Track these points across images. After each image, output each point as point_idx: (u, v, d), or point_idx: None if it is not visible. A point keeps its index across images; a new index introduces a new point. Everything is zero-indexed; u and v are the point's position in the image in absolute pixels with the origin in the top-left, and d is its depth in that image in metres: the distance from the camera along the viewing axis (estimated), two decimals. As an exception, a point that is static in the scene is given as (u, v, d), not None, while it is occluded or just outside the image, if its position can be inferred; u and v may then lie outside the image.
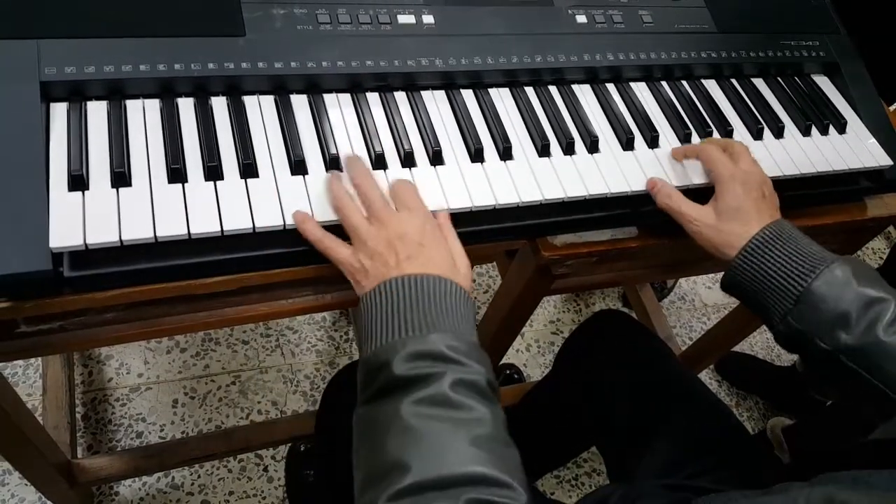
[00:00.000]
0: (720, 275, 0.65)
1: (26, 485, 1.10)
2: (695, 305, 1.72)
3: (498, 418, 0.46)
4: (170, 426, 1.25)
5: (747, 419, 1.55)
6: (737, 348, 1.43)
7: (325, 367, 1.39)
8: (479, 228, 0.62)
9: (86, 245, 0.48)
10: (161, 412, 1.26)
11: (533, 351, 1.54)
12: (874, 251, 2.02)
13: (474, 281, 1.61)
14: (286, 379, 1.36)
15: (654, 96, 0.74)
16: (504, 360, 1.44)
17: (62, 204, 0.49)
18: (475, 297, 1.59)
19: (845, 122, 0.78)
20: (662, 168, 0.68)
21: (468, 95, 0.67)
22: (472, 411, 0.44)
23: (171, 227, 0.50)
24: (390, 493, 0.40)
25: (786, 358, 1.67)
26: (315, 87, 0.62)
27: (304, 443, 1.22)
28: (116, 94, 0.56)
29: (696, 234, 0.64)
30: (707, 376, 1.58)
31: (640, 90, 0.74)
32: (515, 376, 1.44)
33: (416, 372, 0.45)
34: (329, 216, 0.55)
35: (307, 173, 0.57)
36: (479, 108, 0.67)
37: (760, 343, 1.69)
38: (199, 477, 1.20)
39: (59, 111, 0.54)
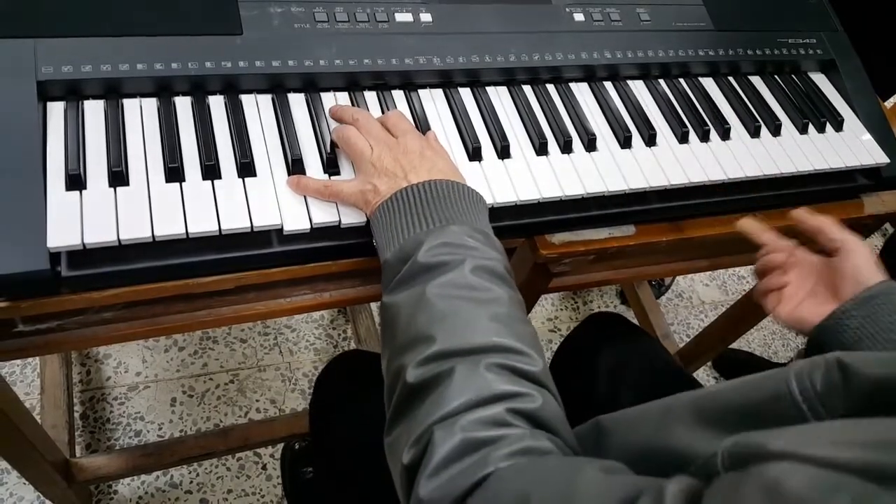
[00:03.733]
0: (717, 272, 0.65)
1: (25, 483, 1.10)
2: (692, 303, 1.72)
3: (514, 300, 0.49)
4: (168, 425, 1.25)
5: (745, 416, 1.55)
6: (734, 345, 1.43)
7: (323, 365, 1.39)
8: (476, 227, 0.62)
9: (83, 244, 0.48)
10: (159, 411, 1.26)
11: (531, 348, 1.54)
12: (873, 249, 2.02)
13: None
14: (284, 377, 1.36)
15: (651, 94, 0.74)
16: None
17: (59, 203, 0.49)
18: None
19: (842, 120, 0.78)
20: (660, 166, 0.68)
21: (466, 94, 0.67)
22: (490, 292, 0.48)
23: (169, 227, 0.50)
24: (418, 360, 0.44)
25: (783, 354, 1.68)
26: (312, 86, 0.62)
27: (298, 441, 1.22)
28: (113, 93, 0.56)
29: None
30: (704, 373, 1.58)
31: (638, 88, 0.74)
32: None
33: (440, 259, 0.48)
34: (330, 217, 0.55)
35: (305, 172, 0.57)
36: (476, 107, 0.67)
37: (758, 340, 1.69)
38: (197, 475, 1.20)
39: (55, 110, 0.54)
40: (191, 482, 1.19)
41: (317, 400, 0.83)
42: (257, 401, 1.32)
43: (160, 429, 1.24)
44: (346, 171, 0.58)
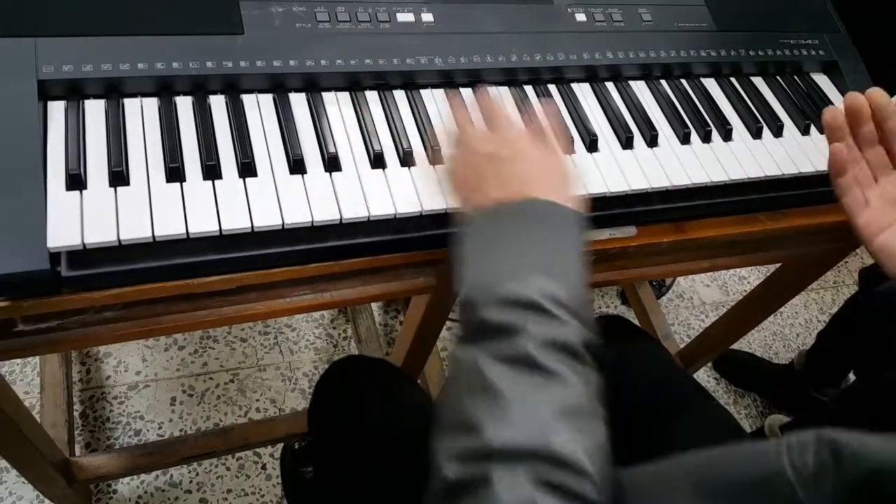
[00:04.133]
0: (718, 273, 0.65)
1: (24, 483, 1.09)
2: (693, 303, 1.72)
3: (588, 385, 0.41)
4: (168, 424, 1.25)
5: (745, 417, 1.55)
6: (735, 346, 1.43)
7: (323, 365, 1.39)
8: (478, 227, 0.62)
9: (83, 245, 0.48)
10: (159, 410, 1.26)
11: (531, 349, 1.54)
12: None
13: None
14: (284, 377, 1.36)
15: (653, 95, 0.74)
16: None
17: (60, 203, 0.49)
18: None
19: (844, 121, 0.78)
20: (661, 167, 0.68)
21: (467, 94, 0.67)
22: (556, 377, 0.39)
23: (170, 227, 0.50)
24: (457, 452, 0.38)
25: (784, 356, 1.68)
26: (314, 86, 0.62)
27: (297, 441, 1.22)
28: (114, 92, 0.56)
29: None
30: (705, 374, 1.58)
31: (640, 89, 0.74)
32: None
33: (503, 321, 0.41)
34: (331, 215, 0.55)
35: (306, 172, 0.57)
36: (478, 107, 0.66)
37: (759, 341, 1.69)
38: (197, 475, 1.20)
39: (56, 110, 0.54)
40: (190, 482, 1.19)
41: (316, 402, 0.83)
42: (257, 400, 1.32)
43: (160, 428, 1.24)
44: (348, 171, 0.58)
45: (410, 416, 0.77)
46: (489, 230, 0.46)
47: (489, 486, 0.35)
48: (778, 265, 1.10)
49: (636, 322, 1.50)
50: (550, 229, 0.46)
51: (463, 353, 0.43)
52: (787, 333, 1.73)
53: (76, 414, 1.21)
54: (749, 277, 1.80)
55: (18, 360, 1.25)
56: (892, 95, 1.11)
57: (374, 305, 1.48)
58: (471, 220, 0.48)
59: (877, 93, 0.55)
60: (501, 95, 0.68)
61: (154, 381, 1.29)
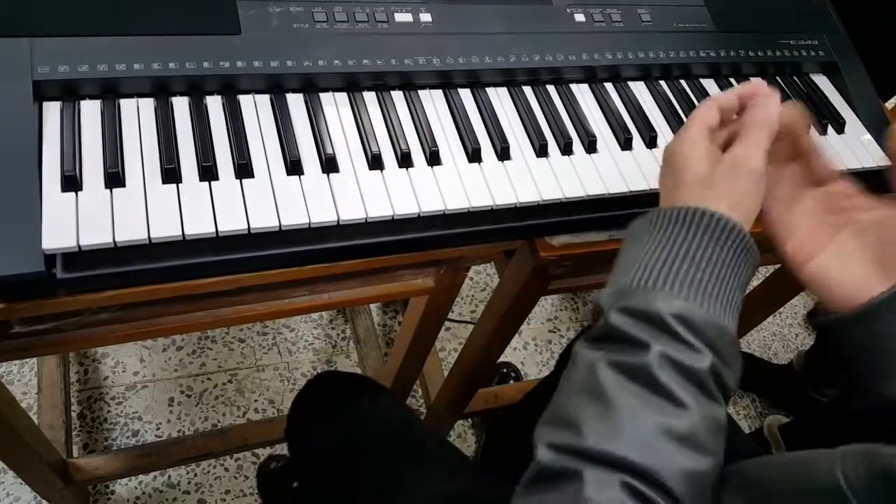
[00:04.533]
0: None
1: (21, 483, 1.09)
2: (692, 304, 1.71)
3: (706, 419, 0.39)
4: (166, 425, 1.25)
5: (744, 417, 1.55)
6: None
7: (321, 366, 1.39)
8: (476, 229, 0.61)
9: (79, 246, 0.48)
10: (157, 411, 1.26)
11: (530, 349, 1.54)
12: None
13: (471, 279, 1.61)
14: (283, 377, 1.35)
15: (652, 96, 0.74)
16: (501, 359, 1.44)
17: (55, 204, 0.49)
18: (472, 295, 1.58)
19: (844, 122, 0.78)
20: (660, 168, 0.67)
21: (466, 95, 0.67)
22: (671, 399, 0.38)
23: (166, 228, 0.50)
24: (556, 443, 0.39)
25: (783, 356, 1.68)
26: (311, 87, 0.62)
27: (274, 461, 1.21)
28: (110, 93, 0.55)
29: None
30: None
31: (639, 89, 0.74)
32: (513, 375, 1.44)
33: (629, 332, 0.40)
34: (329, 216, 0.55)
35: (303, 174, 0.57)
36: (476, 108, 0.66)
37: (757, 341, 1.69)
38: (195, 475, 1.20)
39: (52, 110, 0.53)
40: (189, 482, 1.19)
41: (294, 421, 0.82)
42: (255, 401, 1.31)
43: (158, 429, 1.24)
44: (346, 173, 0.58)
45: (388, 428, 0.76)
46: (653, 232, 0.45)
47: (579, 481, 0.36)
48: (777, 266, 1.10)
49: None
50: (716, 247, 0.43)
51: (584, 351, 0.43)
52: (786, 334, 1.73)
53: (74, 415, 1.21)
54: (748, 278, 1.80)
55: (16, 361, 1.24)
56: (890, 95, 1.11)
57: (373, 305, 1.48)
58: (647, 217, 0.47)
59: (788, 109, 0.51)
60: (500, 96, 0.68)
61: (152, 381, 1.29)
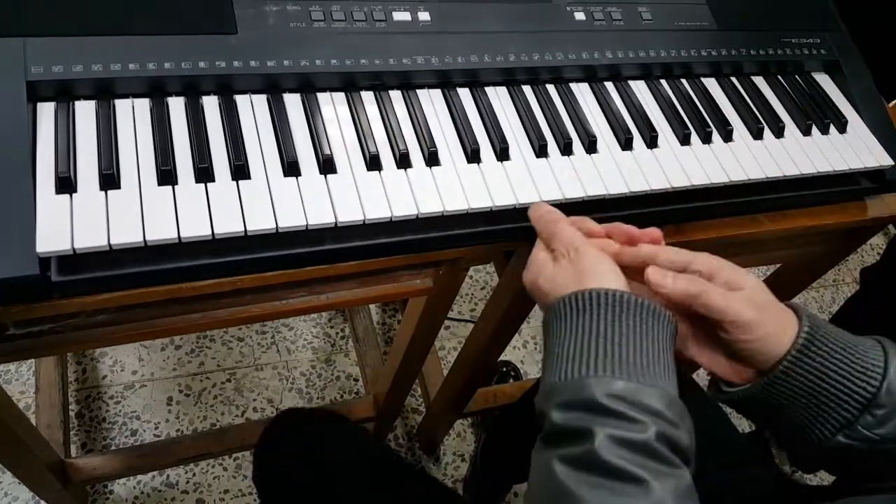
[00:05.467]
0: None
1: (20, 483, 1.09)
2: (692, 302, 1.71)
3: (670, 488, 0.37)
4: (164, 424, 1.24)
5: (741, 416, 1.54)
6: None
7: (320, 364, 1.39)
8: (475, 230, 0.61)
9: (73, 249, 0.47)
10: (156, 410, 1.26)
11: (530, 348, 1.53)
12: (872, 247, 2.01)
13: (471, 277, 1.60)
14: (282, 376, 1.35)
15: (653, 95, 0.73)
16: (501, 358, 1.44)
17: (49, 207, 0.48)
18: (471, 293, 1.58)
19: (846, 122, 0.77)
20: (661, 169, 0.67)
21: (465, 94, 0.66)
22: (631, 479, 0.37)
23: (161, 231, 0.49)
24: None
25: (783, 354, 1.67)
26: (308, 86, 0.61)
27: None
28: (105, 93, 0.55)
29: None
30: (705, 374, 1.57)
31: (639, 89, 0.73)
32: (512, 374, 1.44)
33: (569, 423, 0.41)
34: (327, 219, 0.54)
35: (300, 175, 0.56)
36: (475, 108, 0.65)
37: (758, 340, 1.68)
38: (193, 475, 1.20)
39: (46, 111, 0.53)
40: (187, 482, 1.19)
41: (262, 473, 0.79)
42: (254, 400, 1.31)
43: (156, 428, 1.24)
44: (343, 173, 0.57)
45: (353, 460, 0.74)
46: (554, 327, 0.47)
47: None
48: (777, 266, 1.09)
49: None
50: (619, 320, 0.44)
51: (538, 455, 0.43)
52: (786, 332, 1.72)
53: (72, 414, 1.21)
54: (749, 276, 1.79)
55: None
56: (893, 95, 1.10)
57: (373, 305, 1.47)
58: (544, 320, 0.49)
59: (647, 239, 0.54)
60: (499, 96, 0.67)
61: (150, 380, 1.29)
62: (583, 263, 0.50)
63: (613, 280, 0.48)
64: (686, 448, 0.41)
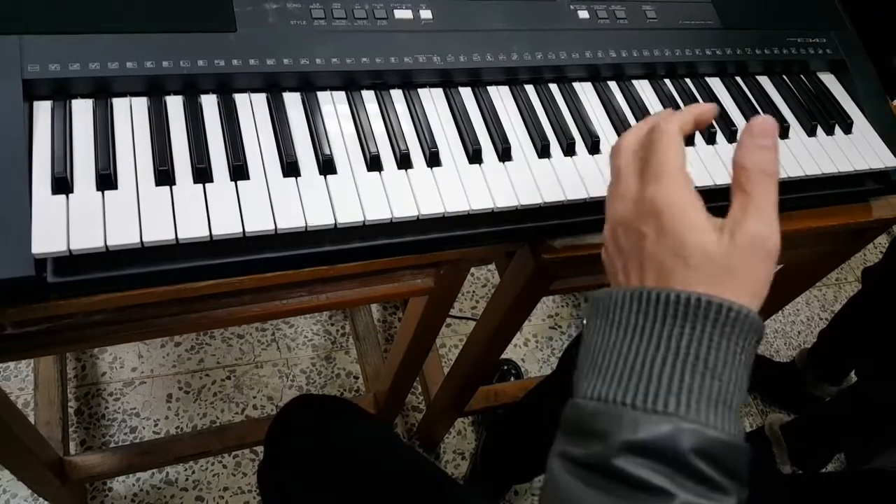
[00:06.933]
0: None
1: (18, 480, 1.09)
2: (694, 300, 1.70)
3: None
4: (164, 421, 1.24)
5: (745, 415, 1.54)
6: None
7: (321, 362, 1.38)
8: (476, 231, 0.60)
9: (70, 251, 0.46)
10: (155, 407, 1.25)
11: (531, 346, 1.53)
12: (875, 245, 2.00)
13: (472, 275, 1.60)
14: (282, 373, 1.35)
15: (657, 95, 0.72)
16: (501, 356, 1.43)
17: (45, 207, 0.47)
18: (472, 291, 1.57)
19: (851, 122, 0.77)
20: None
21: (466, 94, 0.65)
22: None
23: (159, 232, 0.49)
24: None
25: (785, 353, 1.67)
26: (308, 85, 0.60)
27: None
28: (102, 92, 0.54)
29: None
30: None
31: (643, 88, 0.72)
32: (513, 372, 1.43)
33: (643, 478, 0.33)
34: (327, 219, 0.54)
35: (300, 175, 0.55)
36: (477, 107, 0.65)
37: (759, 338, 1.68)
38: (193, 473, 1.19)
39: (42, 110, 0.52)
40: (186, 479, 1.19)
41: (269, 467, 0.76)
42: (254, 397, 1.31)
43: (156, 425, 1.23)
44: (344, 174, 0.57)
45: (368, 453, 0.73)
46: (646, 322, 0.36)
47: None
48: (781, 265, 1.09)
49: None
50: (735, 348, 0.35)
51: (584, 490, 0.35)
52: (788, 331, 1.72)
53: (71, 411, 1.20)
54: (750, 274, 1.79)
55: (13, 356, 1.24)
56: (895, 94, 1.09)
57: (373, 304, 1.47)
58: (631, 296, 0.37)
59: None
60: (502, 95, 0.67)
61: (150, 377, 1.29)
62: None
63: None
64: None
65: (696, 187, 0.64)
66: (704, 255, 0.37)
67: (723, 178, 0.67)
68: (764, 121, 0.40)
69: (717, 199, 0.68)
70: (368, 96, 0.62)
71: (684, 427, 0.33)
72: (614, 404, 0.35)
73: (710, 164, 0.68)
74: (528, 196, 0.60)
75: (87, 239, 0.47)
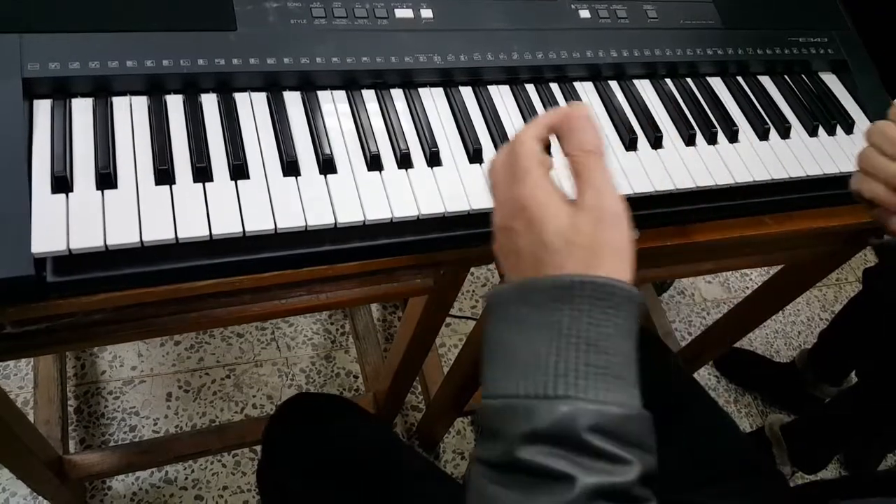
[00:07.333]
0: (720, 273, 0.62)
1: (17, 478, 1.09)
2: (694, 300, 1.70)
3: None
4: (163, 420, 1.24)
5: (745, 416, 1.54)
6: (736, 344, 1.42)
7: (320, 361, 1.38)
8: (477, 231, 0.60)
9: (69, 250, 0.46)
10: (155, 406, 1.25)
11: (531, 345, 1.53)
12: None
13: (472, 274, 1.60)
14: (281, 373, 1.35)
15: (658, 95, 0.72)
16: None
17: (45, 206, 0.47)
18: (472, 290, 1.57)
19: (853, 122, 0.77)
20: (665, 170, 0.66)
21: (467, 93, 0.65)
22: None
23: (158, 232, 0.49)
24: None
25: (785, 353, 1.67)
26: (309, 84, 0.60)
27: None
28: (102, 90, 0.54)
29: None
30: (706, 372, 1.57)
31: (644, 88, 0.72)
32: (513, 371, 1.43)
33: (542, 464, 0.33)
34: (326, 220, 0.53)
35: (300, 174, 0.55)
36: (478, 107, 0.65)
37: (760, 339, 1.68)
38: (192, 472, 1.19)
39: (42, 109, 0.52)
40: (186, 478, 1.18)
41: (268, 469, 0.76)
42: (254, 396, 1.31)
43: (155, 424, 1.23)
44: (344, 173, 0.57)
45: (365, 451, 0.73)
46: (531, 312, 0.37)
47: None
48: (780, 266, 1.09)
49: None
50: (614, 320, 0.36)
51: (498, 491, 0.35)
52: (788, 331, 1.72)
53: (70, 409, 1.20)
54: (751, 274, 1.79)
55: (12, 355, 1.24)
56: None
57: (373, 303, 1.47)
58: (514, 289, 0.39)
59: None
60: (502, 94, 0.67)
61: (150, 376, 1.28)
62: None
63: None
64: (656, 475, 0.36)
65: (697, 187, 0.65)
66: (564, 238, 0.39)
67: (723, 177, 0.67)
68: (572, 108, 0.45)
69: (720, 199, 0.69)
70: (369, 95, 0.62)
71: (578, 407, 0.34)
72: (514, 398, 0.36)
73: (711, 164, 0.68)
74: (529, 196, 0.60)
75: (86, 238, 0.47)
